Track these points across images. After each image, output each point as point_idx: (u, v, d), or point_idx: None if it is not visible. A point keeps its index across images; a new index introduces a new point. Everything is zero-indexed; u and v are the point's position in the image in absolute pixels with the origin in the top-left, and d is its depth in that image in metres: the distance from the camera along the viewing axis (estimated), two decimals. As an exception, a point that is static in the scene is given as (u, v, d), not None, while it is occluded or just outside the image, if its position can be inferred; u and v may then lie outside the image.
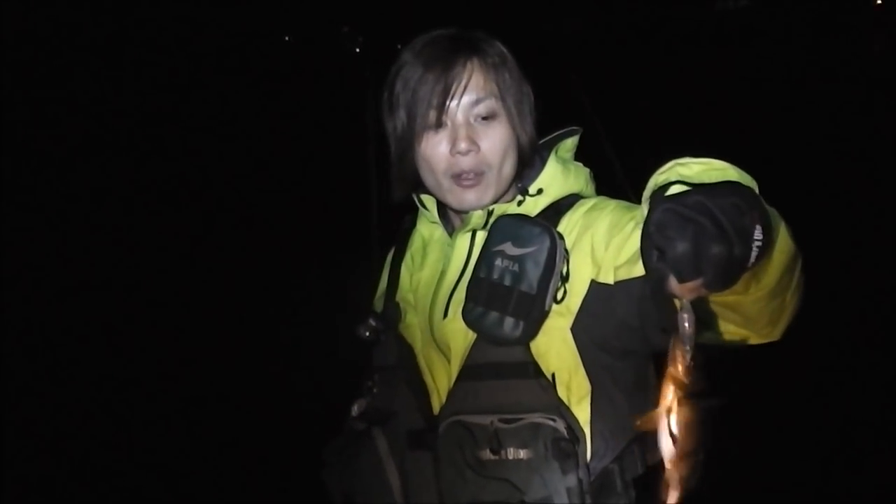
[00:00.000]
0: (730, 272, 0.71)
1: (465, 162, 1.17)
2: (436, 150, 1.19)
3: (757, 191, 0.83)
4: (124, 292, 4.22)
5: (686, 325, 0.78)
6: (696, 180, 0.81)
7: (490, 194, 1.20)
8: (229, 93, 4.78)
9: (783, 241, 0.89)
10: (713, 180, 0.81)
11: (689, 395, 0.79)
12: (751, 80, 4.33)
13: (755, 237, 0.73)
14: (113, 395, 3.84)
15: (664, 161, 0.88)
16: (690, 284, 0.71)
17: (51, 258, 4.12)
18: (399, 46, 1.26)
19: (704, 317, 1.01)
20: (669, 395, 0.80)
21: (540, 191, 1.22)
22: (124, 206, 4.39)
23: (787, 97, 4.32)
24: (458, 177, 1.19)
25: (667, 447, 0.82)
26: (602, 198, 1.23)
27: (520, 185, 1.24)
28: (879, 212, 3.83)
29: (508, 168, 1.20)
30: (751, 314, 0.95)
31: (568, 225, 1.17)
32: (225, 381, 3.81)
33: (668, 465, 0.83)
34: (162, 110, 4.56)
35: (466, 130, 1.17)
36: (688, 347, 0.78)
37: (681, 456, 0.81)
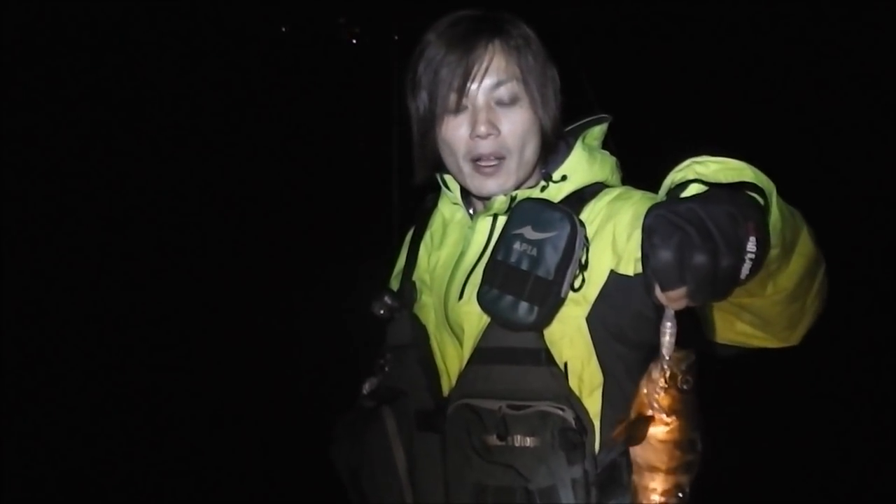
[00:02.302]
0: (715, 284, 0.69)
1: (485, 146, 1.16)
2: (456, 133, 1.17)
3: (774, 193, 0.81)
4: (143, 282, 4.31)
5: (667, 335, 0.76)
6: (712, 179, 0.79)
7: (512, 180, 1.18)
8: (226, 83, 4.82)
9: (804, 245, 0.87)
10: (729, 180, 0.78)
11: (667, 407, 0.77)
12: (757, 68, 4.30)
13: (748, 249, 0.70)
14: (141, 367, 3.90)
15: (669, 154, 0.86)
16: (673, 294, 0.69)
17: (71, 249, 4.19)
18: (395, 37, 1.25)
19: (711, 319, 0.99)
20: (642, 404, 0.79)
21: (564, 177, 1.20)
22: (124, 197, 4.46)
23: (794, 85, 4.29)
24: (477, 161, 1.17)
25: (632, 455, 0.81)
26: (627, 188, 1.21)
27: (544, 170, 1.22)
28: (881, 212, 3.81)
29: (530, 153, 1.19)
30: (768, 316, 0.93)
31: (591, 213, 1.16)
32: (242, 359, 3.85)
33: (634, 473, 0.83)
34: (158, 102, 4.60)
35: (487, 114, 1.15)
36: (667, 357, 0.77)
37: (650, 467, 0.80)
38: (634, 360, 1.12)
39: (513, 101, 1.16)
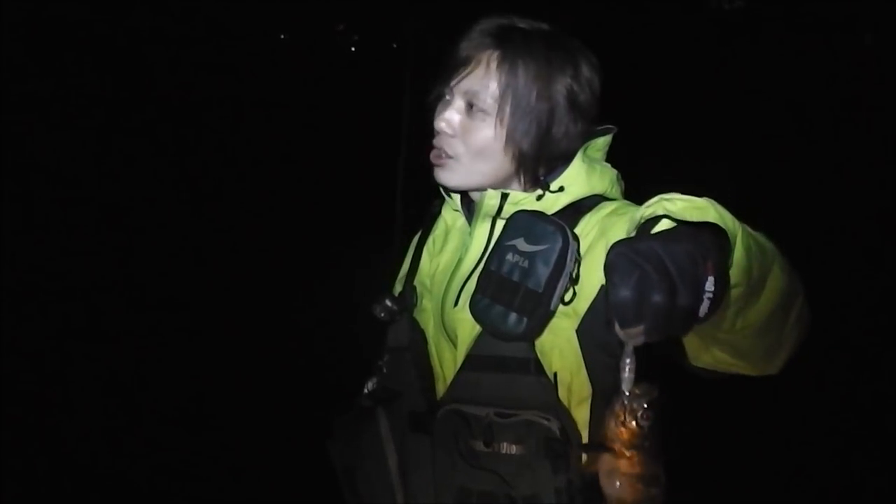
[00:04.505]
0: (672, 322, 0.70)
1: (439, 139, 1.21)
2: (434, 120, 1.22)
3: (738, 233, 0.81)
4: (152, 282, 4.35)
5: (626, 370, 0.78)
6: (679, 216, 0.80)
7: (457, 179, 1.22)
8: (226, 91, 4.86)
9: (775, 280, 0.88)
10: (694, 219, 0.80)
11: (627, 441, 0.78)
12: (744, 81, 4.31)
13: (706, 289, 0.71)
14: (141, 368, 3.95)
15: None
16: (632, 331, 0.71)
17: (87, 247, 4.24)
18: (394, 45, 1.29)
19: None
20: (606, 437, 0.80)
21: (561, 188, 1.21)
22: (129, 204, 4.50)
23: (781, 98, 4.29)
24: (436, 151, 1.22)
25: (602, 487, 0.82)
26: (625, 202, 1.21)
27: (543, 179, 1.23)
28: (880, 213, 3.80)
29: (485, 166, 1.20)
30: (742, 349, 0.94)
31: (586, 226, 1.16)
32: (247, 358, 3.89)
33: None
34: (160, 108, 4.64)
35: (451, 113, 1.19)
36: (627, 393, 0.78)
37: (618, 500, 0.81)
38: None
39: (479, 113, 1.18)
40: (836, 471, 3.07)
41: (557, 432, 1.08)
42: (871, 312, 3.66)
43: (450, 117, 1.19)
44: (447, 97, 1.21)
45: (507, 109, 1.17)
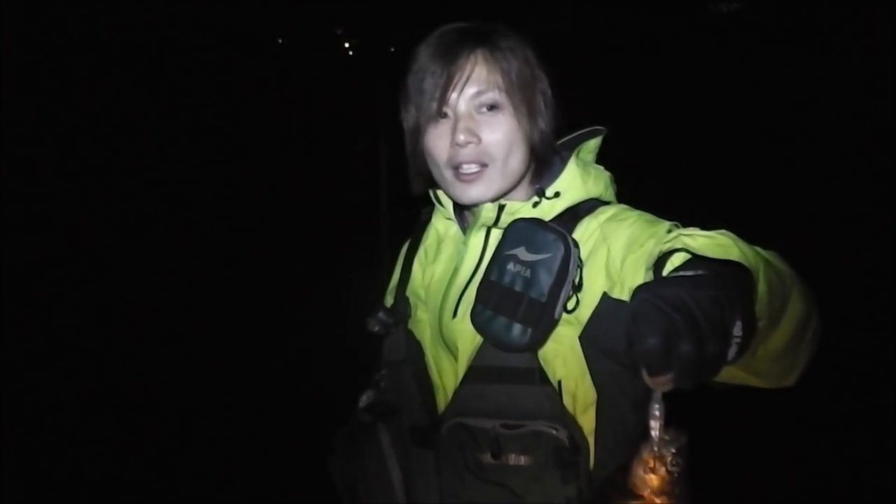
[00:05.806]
0: (701, 369, 0.69)
1: (465, 154, 1.16)
2: (438, 141, 1.18)
3: (761, 269, 0.80)
4: (140, 292, 4.33)
5: (655, 417, 0.76)
6: (699, 252, 0.79)
7: (494, 189, 1.18)
8: (223, 94, 4.87)
9: (794, 307, 0.88)
10: (715, 256, 0.79)
11: (656, 488, 0.77)
12: (742, 84, 4.35)
13: (734, 334, 0.71)
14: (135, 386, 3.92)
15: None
16: (660, 378, 0.69)
17: (76, 257, 4.21)
18: (392, 49, 1.25)
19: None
20: (634, 484, 0.79)
21: (557, 194, 1.19)
22: (119, 208, 4.49)
23: (779, 100, 4.33)
24: (458, 169, 1.17)
25: None
26: (623, 207, 1.20)
27: (537, 185, 1.22)
28: (881, 213, 3.83)
29: (515, 163, 1.17)
30: (760, 371, 0.94)
31: (585, 232, 1.15)
32: (241, 371, 3.87)
33: None
34: (157, 113, 4.64)
35: (466, 122, 1.15)
36: (656, 439, 0.77)
37: None
38: (628, 377, 1.13)
39: (494, 109, 1.16)
40: (835, 471, 3.06)
41: (566, 441, 1.06)
42: (870, 313, 3.67)
43: (467, 127, 1.15)
44: (446, 115, 1.17)
45: (517, 95, 1.16)
